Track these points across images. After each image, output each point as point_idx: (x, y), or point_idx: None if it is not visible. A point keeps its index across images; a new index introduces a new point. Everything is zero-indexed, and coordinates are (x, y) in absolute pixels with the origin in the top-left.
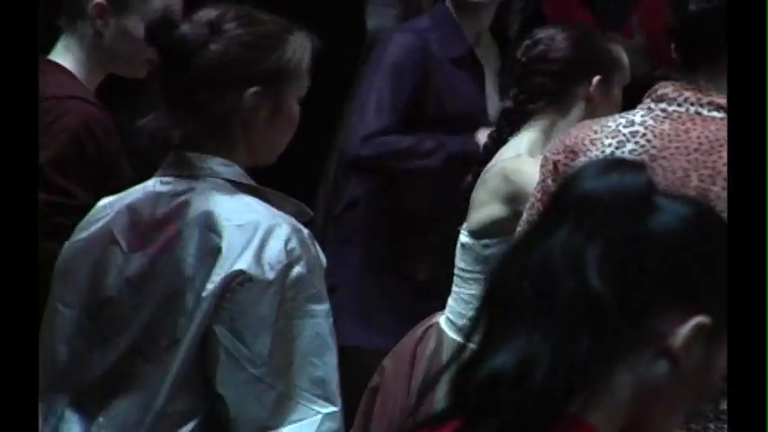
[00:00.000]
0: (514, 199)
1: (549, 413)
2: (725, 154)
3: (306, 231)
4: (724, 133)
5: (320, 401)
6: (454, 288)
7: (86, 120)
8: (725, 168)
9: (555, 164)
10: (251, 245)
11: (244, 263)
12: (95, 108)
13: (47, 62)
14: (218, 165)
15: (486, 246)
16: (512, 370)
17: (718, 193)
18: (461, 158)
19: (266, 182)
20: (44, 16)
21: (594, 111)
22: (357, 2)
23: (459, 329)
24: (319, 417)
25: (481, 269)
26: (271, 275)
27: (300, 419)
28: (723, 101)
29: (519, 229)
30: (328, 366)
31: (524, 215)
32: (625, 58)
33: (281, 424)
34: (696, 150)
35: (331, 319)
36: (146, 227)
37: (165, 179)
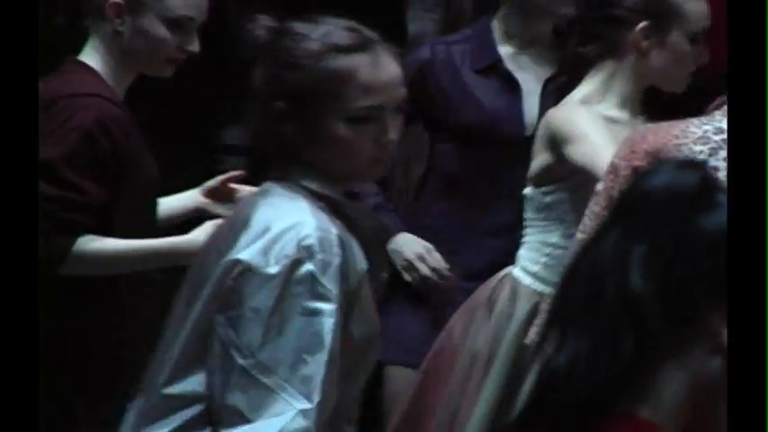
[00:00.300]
0: (553, 143)
1: (596, 412)
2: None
3: (335, 234)
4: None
5: (301, 398)
6: (524, 238)
7: (102, 117)
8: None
9: (635, 169)
10: (263, 238)
11: (247, 254)
12: (114, 106)
13: (74, 62)
14: (295, 170)
15: (544, 194)
16: (562, 370)
17: None
18: None
19: None
20: (70, 17)
21: (648, 62)
22: (398, 6)
23: (533, 275)
24: (292, 412)
25: (544, 216)
26: (274, 269)
27: (279, 414)
28: None
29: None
30: (318, 363)
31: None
32: (692, 5)
33: (258, 416)
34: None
35: (334, 320)
36: (223, 226)
37: (264, 183)
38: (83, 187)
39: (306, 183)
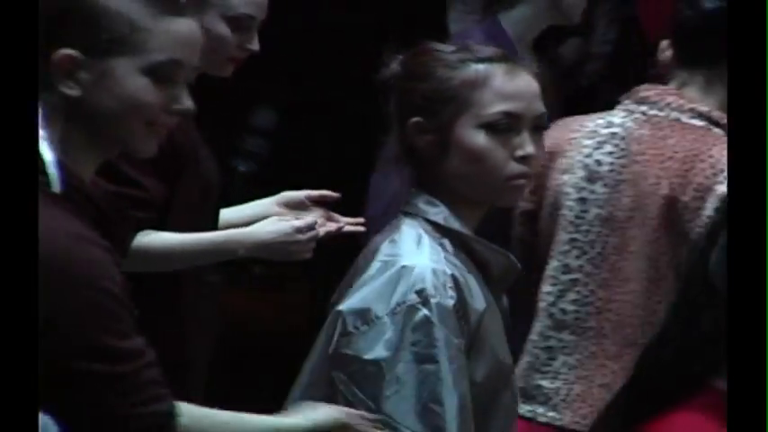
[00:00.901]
0: None
1: (678, 379)
2: (699, 165)
3: (449, 274)
4: (701, 144)
5: None
6: None
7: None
8: (696, 179)
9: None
10: (375, 282)
11: (357, 301)
12: None
13: None
14: (424, 203)
15: None
16: (654, 343)
17: (687, 203)
18: None
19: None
20: None
21: None
22: (440, 8)
23: None
24: None
25: None
26: (388, 318)
27: None
28: (705, 109)
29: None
30: (446, 411)
31: None
32: None
33: None
34: (671, 158)
35: (455, 365)
36: (358, 259)
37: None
38: (143, 184)
39: (433, 216)
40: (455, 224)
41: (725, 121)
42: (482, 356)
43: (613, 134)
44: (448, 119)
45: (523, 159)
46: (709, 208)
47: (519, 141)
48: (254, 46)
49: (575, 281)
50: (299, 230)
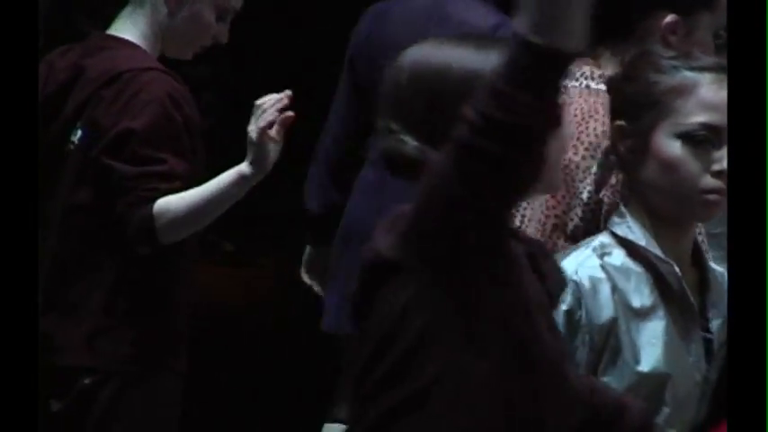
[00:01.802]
0: None
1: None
2: (592, 124)
3: (573, 280)
4: (598, 106)
5: None
6: None
7: (170, 90)
8: (587, 139)
9: None
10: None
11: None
12: (174, 80)
13: (110, 37)
14: (616, 223)
15: None
16: None
17: (578, 162)
18: None
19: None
20: None
21: None
22: None
23: None
24: None
25: None
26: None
27: None
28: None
29: None
30: None
31: None
32: None
33: None
34: (569, 123)
35: None
36: None
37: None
38: (163, 158)
39: (619, 233)
40: (632, 236)
41: None
42: (615, 367)
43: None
44: (648, 125)
45: (719, 174)
46: (595, 165)
47: (717, 156)
48: (225, 38)
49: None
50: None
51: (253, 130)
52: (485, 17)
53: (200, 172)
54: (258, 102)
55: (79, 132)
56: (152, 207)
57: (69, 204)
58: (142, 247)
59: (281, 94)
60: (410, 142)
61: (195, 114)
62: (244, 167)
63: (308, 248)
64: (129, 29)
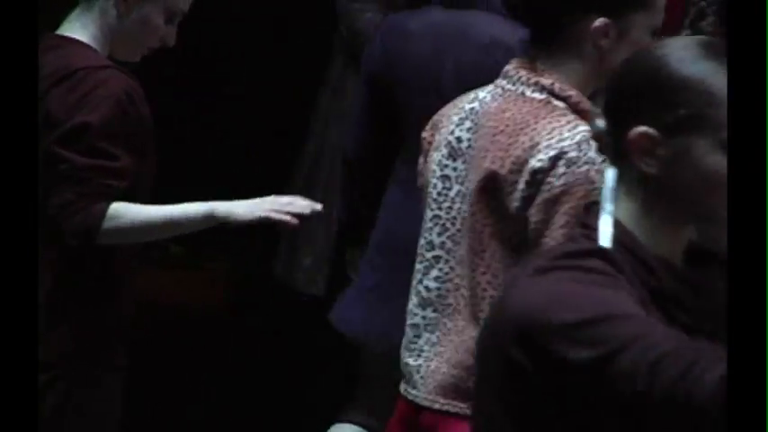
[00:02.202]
0: None
1: None
2: (522, 137)
3: None
4: (531, 117)
5: None
6: None
7: (126, 88)
8: (516, 152)
9: (424, 139)
10: None
11: None
12: (129, 78)
13: (61, 37)
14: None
15: None
16: None
17: (505, 176)
18: None
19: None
20: None
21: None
22: None
23: None
24: None
25: None
26: None
27: None
28: (548, 82)
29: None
30: None
31: None
32: None
33: None
34: (502, 132)
35: None
36: None
37: None
38: (116, 154)
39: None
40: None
41: (568, 93)
42: None
43: (472, 110)
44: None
45: None
46: (522, 182)
47: None
48: (172, 41)
49: (437, 258)
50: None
51: (265, 209)
52: (511, 32)
53: (152, 171)
54: (290, 199)
55: None
56: (106, 206)
57: None
58: (76, 239)
59: (310, 205)
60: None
61: (148, 113)
62: (219, 209)
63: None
64: (78, 30)
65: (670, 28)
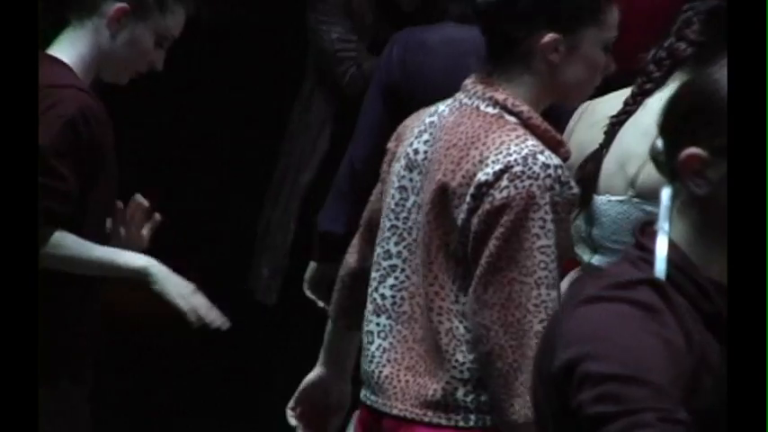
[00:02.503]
0: None
1: None
2: (473, 152)
3: None
4: (482, 131)
5: None
6: None
7: (83, 108)
8: (467, 165)
9: (389, 149)
10: None
11: None
12: (91, 99)
13: (45, 56)
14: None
15: None
16: None
17: (455, 189)
18: None
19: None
20: (49, 8)
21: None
22: None
23: None
24: None
25: None
26: None
27: None
28: (502, 97)
29: None
30: None
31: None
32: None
33: None
34: (455, 146)
35: None
36: None
37: None
38: (64, 175)
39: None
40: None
41: (520, 108)
42: None
43: (432, 123)
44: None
45: None
46: (469, 195)
47: None
48: (161, 65)
49: (393, 267)
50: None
51: (193, 304)
52: None
53: (107, 197)
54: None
55: None
56: (49, 233)
57: None
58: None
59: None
60: None
61: (108, 138)
62: (155, 273)
63: (314, 265)
64: (66, 49)
65: (642, 43)
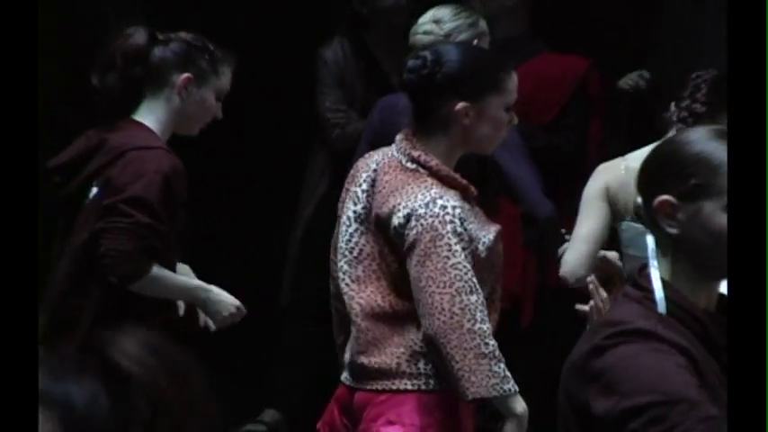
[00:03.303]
0: None
1: None
2: (391, 199)
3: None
4: (400, 183)
5: None
6: None
7: (172, 166)
8: (386, 209)
9: (346, 182)
10: None
11: None
12: (175, 158)
13: (132, 121)
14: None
15: None
16: None
17: (384, 223)
18: None
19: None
20: (125, 80)
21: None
22: None
23: None
24: None
25: None
26: None
27: None
28: (417, 154)
29: None
30: None
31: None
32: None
33: None
34: (381, 192)
35: None
36: None
37: None
38: (163, 219)
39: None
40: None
41: (430, 164)
42: None
43: (374, 169)
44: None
45: None
46: (391, 228)
47: None
48: (220, 115)
49: (342, 278)
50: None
51: (231, 312)
52: None
53: (182, 234)
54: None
55: (94, 190)
56: (152, 266)
57: (75, 245)
58: (120, 282)
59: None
60: None
61: (185, 185)
62: (210, 296)
63: None
64: (146, 115)
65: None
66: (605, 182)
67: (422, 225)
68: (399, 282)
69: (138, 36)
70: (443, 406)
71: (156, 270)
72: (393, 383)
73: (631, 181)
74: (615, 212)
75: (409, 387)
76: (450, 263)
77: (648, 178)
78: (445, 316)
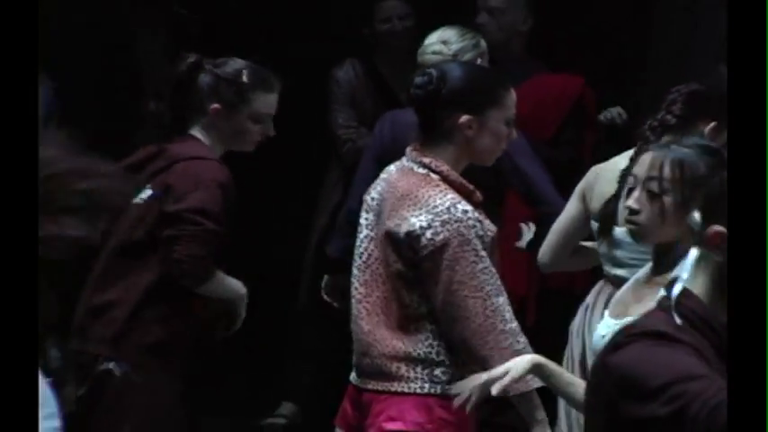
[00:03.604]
0: None
1: None
2: (407, 202)
3: None
4: (414, 187)
5: None
6: None
7: (228, 178)
8: (402, 212)
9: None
10: None
11: None
12: (227, 170)
13: (189, 135)
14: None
15: None
16: None
17: (395, 232)
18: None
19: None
20: (176, 109)
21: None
22: None
23: None
24: None
25: None
26: None
27: None
28: (427, 160)
29: None
30: None
31: None
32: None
33: None
34: (394, 195)
35: None
36: None
37: None
38: (222, 224)
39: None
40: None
41: (441, 168)
42: None
43: (385, 178)
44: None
45: None
46: (403, 232)
47: None
48: (271, 132)
49: (352, 282)
50: None
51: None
52: None
53: (229, 237)
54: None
55: (149, 192)
56: (214, 270)
57: (124, 240)
58: (188, 284)
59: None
60: None
61: (235, 198)
62: (243, 294)
63: (326, 277)
64: (201, 131)
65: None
66: (584, 183)
67: (448, 230)
68: (402, 287)
69: (184, 65)
70: (444, 405)
71: (219, 274)
72: (392, 386)
73: (597, 185)
74: (589, 211)
75: (407, 390)
76: (478, 267)
77: (709, 206)
78: (480, 319)
